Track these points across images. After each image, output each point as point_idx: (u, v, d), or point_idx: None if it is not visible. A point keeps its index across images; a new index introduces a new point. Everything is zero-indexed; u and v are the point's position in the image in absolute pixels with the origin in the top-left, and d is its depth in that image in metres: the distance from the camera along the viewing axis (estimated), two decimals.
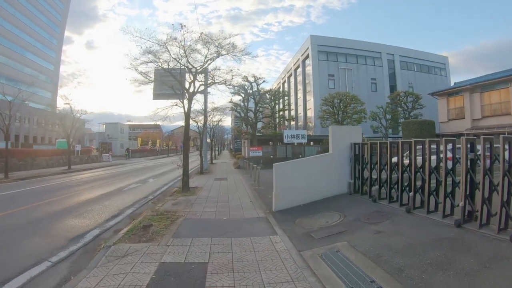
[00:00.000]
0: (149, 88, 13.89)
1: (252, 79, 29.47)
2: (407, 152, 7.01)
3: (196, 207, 7.92)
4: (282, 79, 55.25)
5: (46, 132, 45.04)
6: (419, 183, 6.05)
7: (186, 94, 10.81)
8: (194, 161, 30.15)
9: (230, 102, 30.15)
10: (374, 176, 7.65)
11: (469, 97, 21.03)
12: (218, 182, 13.92)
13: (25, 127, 43.61)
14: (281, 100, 35.58)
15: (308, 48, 43.11)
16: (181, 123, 28.41)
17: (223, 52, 10.45)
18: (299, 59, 46.93)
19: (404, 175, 6.61)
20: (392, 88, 45.08)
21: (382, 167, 7.37)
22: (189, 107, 10.95)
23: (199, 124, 20.37)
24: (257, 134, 29.67)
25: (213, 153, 36.93)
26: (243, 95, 29.95)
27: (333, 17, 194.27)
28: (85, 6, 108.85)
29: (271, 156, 24.63)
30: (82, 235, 5.85)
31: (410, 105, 33.55)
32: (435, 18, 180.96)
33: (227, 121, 74.56)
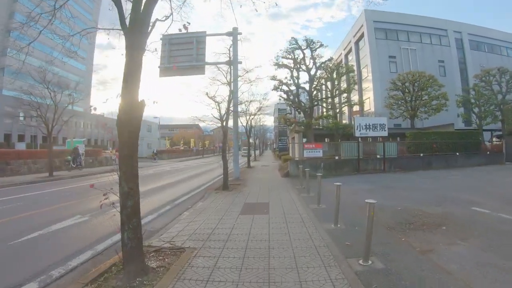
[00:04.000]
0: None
1: (304, 44, 20.44)
2: None
3: None
4: (330, 68, 47.24)
5: (68, 132, 41.63)
6: None
7: None
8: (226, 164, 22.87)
9: (272, 78, 20.77)
10: None
11: None
12: (249, 220, 6.18)
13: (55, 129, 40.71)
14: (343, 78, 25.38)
15: (362, 26, 35.23)
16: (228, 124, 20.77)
17: None
18: (350, 41, 39.21)
19: None
20: (462, 71, 36.61)
21: None
22: (140, 42, 3.77)
23: (221, 106, 12.02)
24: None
25: (251, 153, 28.90)
26: (292, 66, 20.76)
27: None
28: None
29: (336, 158, 16.44)
30: None
31: (504, 87, 25.62)
32: None
33: (269, 121, 67.11)
